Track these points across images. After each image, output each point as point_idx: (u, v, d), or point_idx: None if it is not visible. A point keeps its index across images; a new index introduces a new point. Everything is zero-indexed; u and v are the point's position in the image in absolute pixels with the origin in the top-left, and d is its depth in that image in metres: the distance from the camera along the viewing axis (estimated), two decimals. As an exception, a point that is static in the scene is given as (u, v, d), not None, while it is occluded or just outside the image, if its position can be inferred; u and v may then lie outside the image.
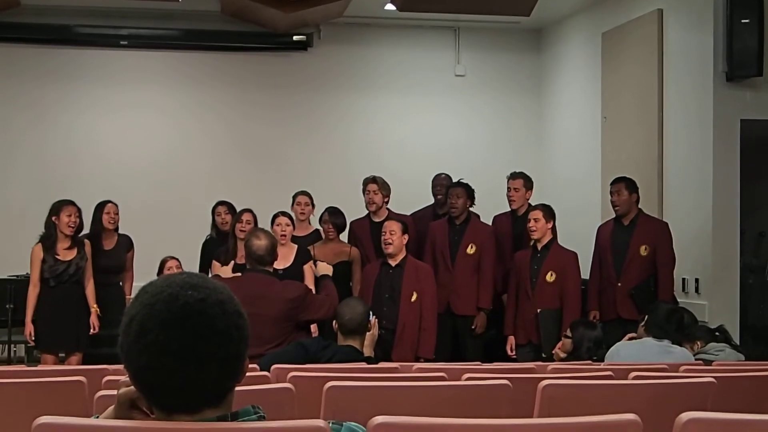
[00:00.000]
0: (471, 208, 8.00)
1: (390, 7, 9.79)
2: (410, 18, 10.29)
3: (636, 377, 3.62)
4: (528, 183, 8.08)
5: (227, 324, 1.78)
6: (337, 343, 5.16)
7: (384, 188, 8.06)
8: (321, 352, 4.95)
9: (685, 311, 6.14)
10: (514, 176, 8.12)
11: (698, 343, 5.80)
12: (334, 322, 5.36)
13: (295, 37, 10.59)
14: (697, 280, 7.84)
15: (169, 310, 1.75)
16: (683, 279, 7.87)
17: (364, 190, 8.12)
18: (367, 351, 5.23)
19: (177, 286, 1.78)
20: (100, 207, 7.89)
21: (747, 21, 7.52)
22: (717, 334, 6.03)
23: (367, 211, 8.18)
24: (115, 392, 1.86)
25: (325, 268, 6.56)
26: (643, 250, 7.43)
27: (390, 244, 7.03)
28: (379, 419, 1.95)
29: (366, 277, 7.32)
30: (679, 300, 7.38)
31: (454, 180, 8.33)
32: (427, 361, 6.75)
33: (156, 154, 10.47)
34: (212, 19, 10.33)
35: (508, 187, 8.09)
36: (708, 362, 5.22)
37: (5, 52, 10.29)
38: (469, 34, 11.03)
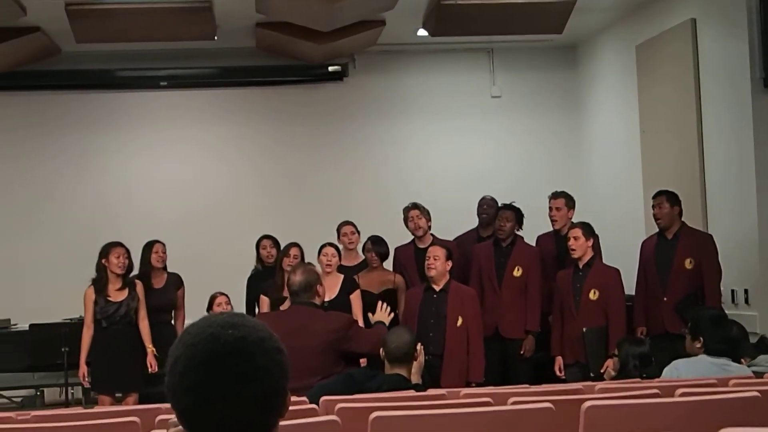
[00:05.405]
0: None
1: (422, 32, 9.86)
2: (443, 42, 10.35)
3: (683, 394, 3.61)
4: (570, 202, 8.08)
5: (267, 361, 1.81)
6: (384, 372, 5.18)
7: (425, 213, 8.11)
8: (368, 382, 4.97)
9: (735, 324, 6.02)
10: (555, 196, 8.12)
11: (745, 359, 5.69)
12: (381, 350, 5.38)
13: (330, 68, 10.71)
14: (746, 291, 7.75)
15: (210, 350, 1.79)
16: (732, 290, 7.79)
17: (406, 219, 8.15)
18: (414, 378, 5.23)
19: (217, 325, 1.83)
20: (149, 246, 8.02)
21: (780, 26, 7.48)
22: (761, 345, 5.95)
23: (411, 238, 8.22)
24: (166, 432, 1.90)
25: (381, 317, 6.29)
26: (688, 264, 7.36)
27: (433, 268, 7.06)
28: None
29: (409, 302, 7.32)
30: (728, 312, 7.25)
31: (498, 201, 8.40)
32: (478, 385, 6.77)
33: (200, 190, 10.66)
34: (248, 54, 10.46)
35: (550, 207, 8.09)
36: (759, 375, 5.16)
37: (50, 100, 10.57)
38: (503, 54, 11.07)
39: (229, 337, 1.80)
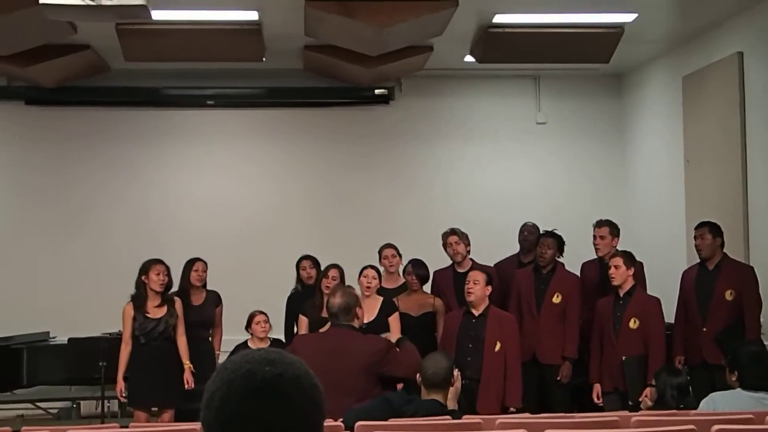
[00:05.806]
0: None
1: (469, 58, 9.89)
2: (490, 68, 10.37)
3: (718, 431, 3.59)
4: (614, 230, 8.03)
5: (303, 398, 1.83)
6: (421, 397, 5.19)
7: (464, 238, 8.12)
8: (405, 407, 4.99)
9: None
10: (599, 224, 8.08)
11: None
12: (417, 375, 5.39)
13: (376, 91, 10.77)
14: (787, 323, 7.68)
15: (247, 386, 1.80)
16: (773, 322, 7.72)
17: (444, 244, 8.17)
18: (451, 404, 5.24)
19: (255, 362, 1.84)
20: (190, 264, 8.09)
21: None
22: None
23: (450, 262, 8.23)
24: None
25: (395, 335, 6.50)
26: (728, 295, 7.32)
27: (472, 293, 7.06)
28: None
29: (448, 326, 7.33)
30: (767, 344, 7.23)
31: (539, 228, 8.38)
32: (516, 410, 6.75)
33: (242, 208, 10.76)
34: (295, 75, 10.53)
35: (594, 235, 8.04)
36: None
37: (98, 116, 10.73)
38: (549, 81, 11.08)
39: (266, 374, 1.81)
